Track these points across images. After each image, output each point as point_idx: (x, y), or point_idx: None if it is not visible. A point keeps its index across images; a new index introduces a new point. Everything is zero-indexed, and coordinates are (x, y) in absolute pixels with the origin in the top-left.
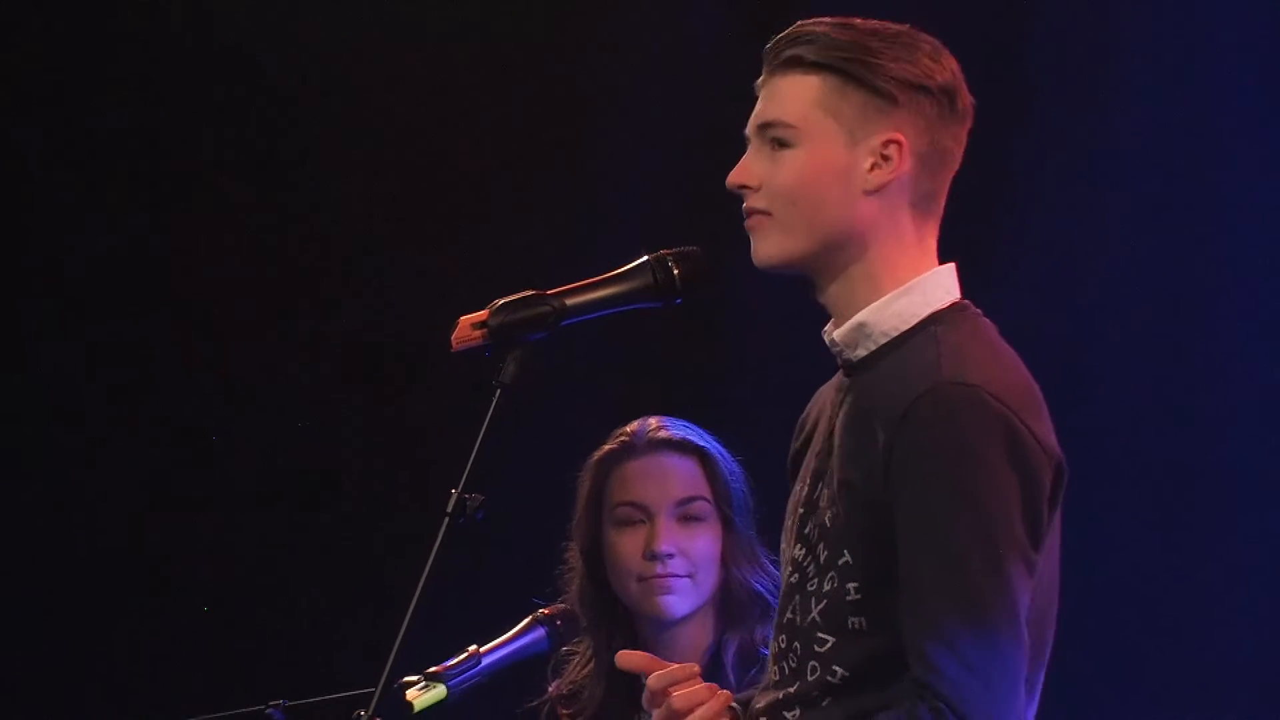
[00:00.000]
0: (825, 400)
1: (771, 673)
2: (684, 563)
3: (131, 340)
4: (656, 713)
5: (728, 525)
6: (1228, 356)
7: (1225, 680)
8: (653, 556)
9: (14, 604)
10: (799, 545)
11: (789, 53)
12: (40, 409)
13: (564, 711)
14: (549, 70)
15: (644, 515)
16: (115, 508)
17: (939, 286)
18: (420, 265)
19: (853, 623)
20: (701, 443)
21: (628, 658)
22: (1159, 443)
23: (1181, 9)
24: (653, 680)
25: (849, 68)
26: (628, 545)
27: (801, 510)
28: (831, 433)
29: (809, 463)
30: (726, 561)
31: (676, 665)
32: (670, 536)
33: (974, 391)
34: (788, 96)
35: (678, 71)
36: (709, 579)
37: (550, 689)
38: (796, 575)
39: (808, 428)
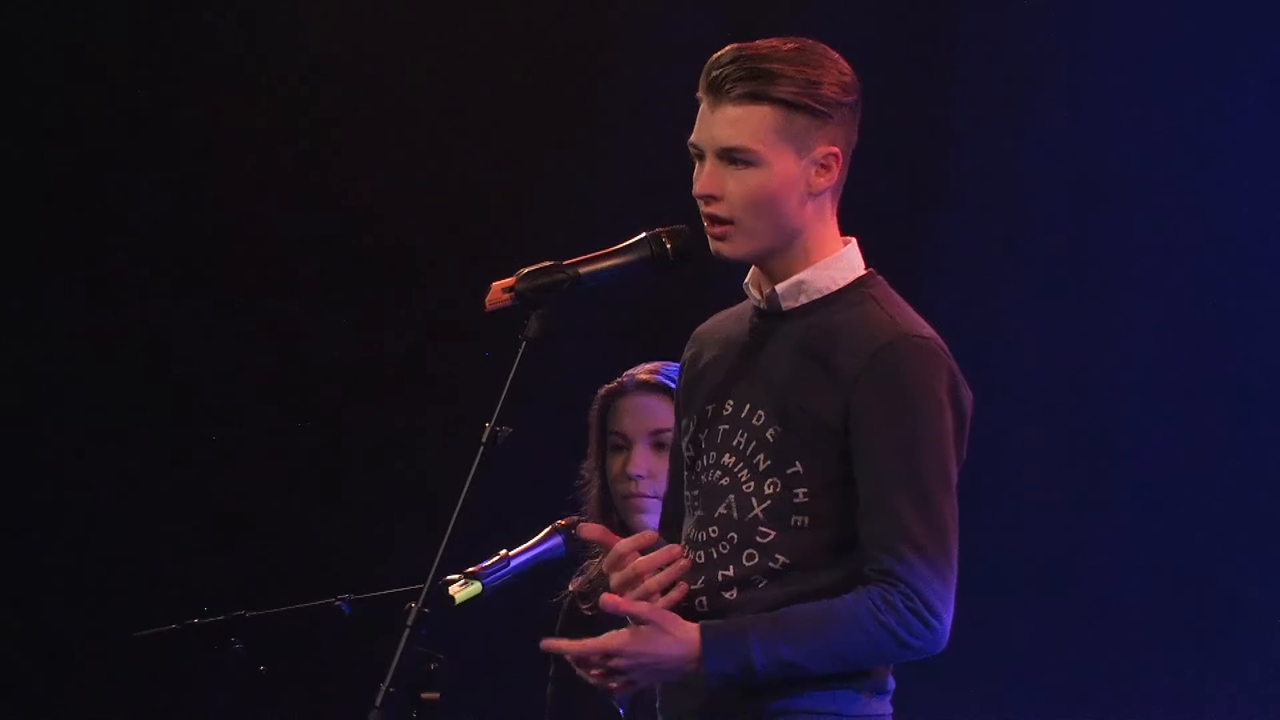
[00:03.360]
0: (721, 336)
1: (694, 555)
2: (653, 484)
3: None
4: (617, 575)
5: None
6: (1123, 349)
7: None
8: (628, 477)
9: (110, 506)
10: (728, 454)
11: (744, 89)
12: (129, 335)
13: (583, 605)
14: (570, 75)
15: (626, 443)
16: (203, 426)
17: (857, 257)
18: (457, 241)
19: (796, 520)
20: (672, 384)
21: (587, 529)
22: (1063, 417)
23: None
24: (620, 545)
25: (795, 98)
26: (615, 467)
27: (725, 426)
28: (756, 364)
29: (720, 385)
30: None
31: (640, 533)
32: (643, 461)
33: (929, 343)
34: (747, 125)
35: (678, 71)
36: None
37: (571, 586)
38: (727, 479)
39: (704, 358)
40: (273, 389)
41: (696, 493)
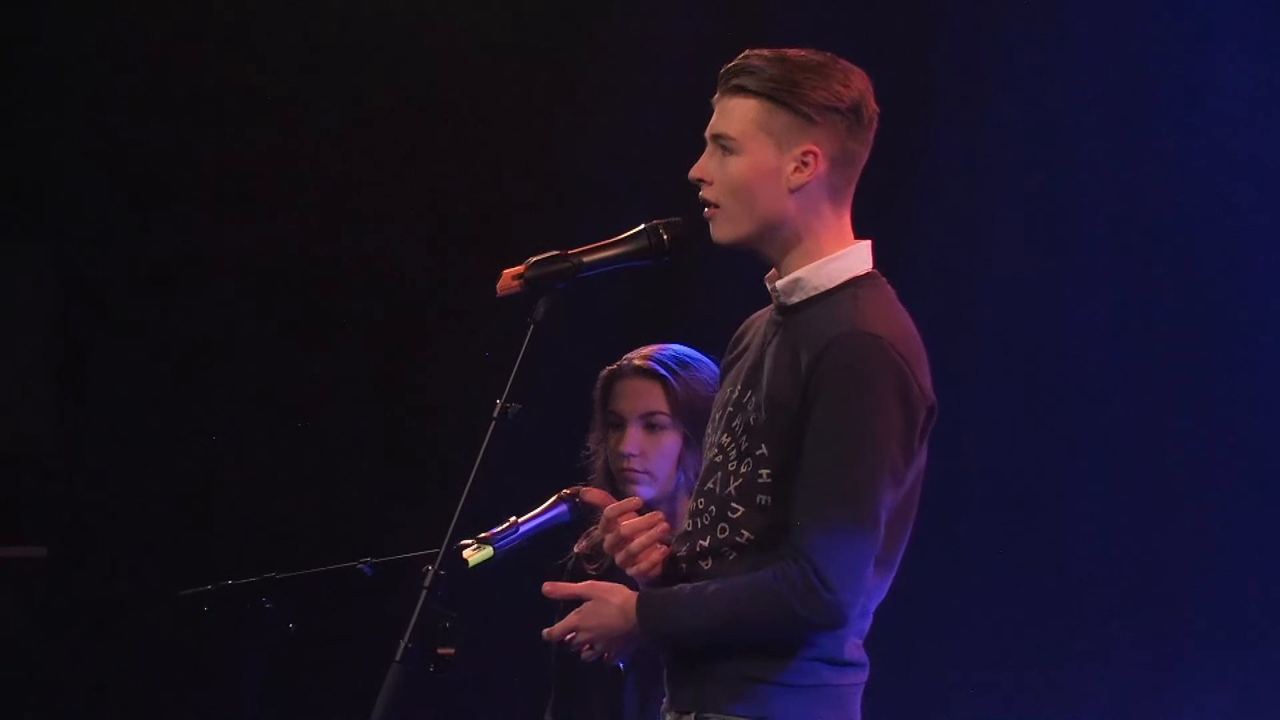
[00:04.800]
0: (757, 326)
1: (687, 524)
2: (643, 461)
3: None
4: (609, 536)
5: (686, 436)
6: (1074, 336)
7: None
8: (620, 455)
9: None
10: (725, 434)
11: (735, 81)
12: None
13: (588, 566)
14: (580, 78)
15: (621, 422)
16: (238, 402)
17: (860, 258)
18: (472, 233)
19: (760, 499)
20: (663, 371)
21: (589, 493)
22: (1016, 391)
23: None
24: (609, 510)
25: (778, 95)
26: (612, 443)
27: (730, 408)
28: (764, 354)
29: (739, 372)
30: (682, 464)
31: (626, 499)
32: (634, 441)
33: (878, 341)
34: (733, 115)
35: (680, 74)
36: (664, 475)
37: (576, 548)
38: (720, 456)
39: (741, 344)
40: (298, 374)
41: (703, 467)
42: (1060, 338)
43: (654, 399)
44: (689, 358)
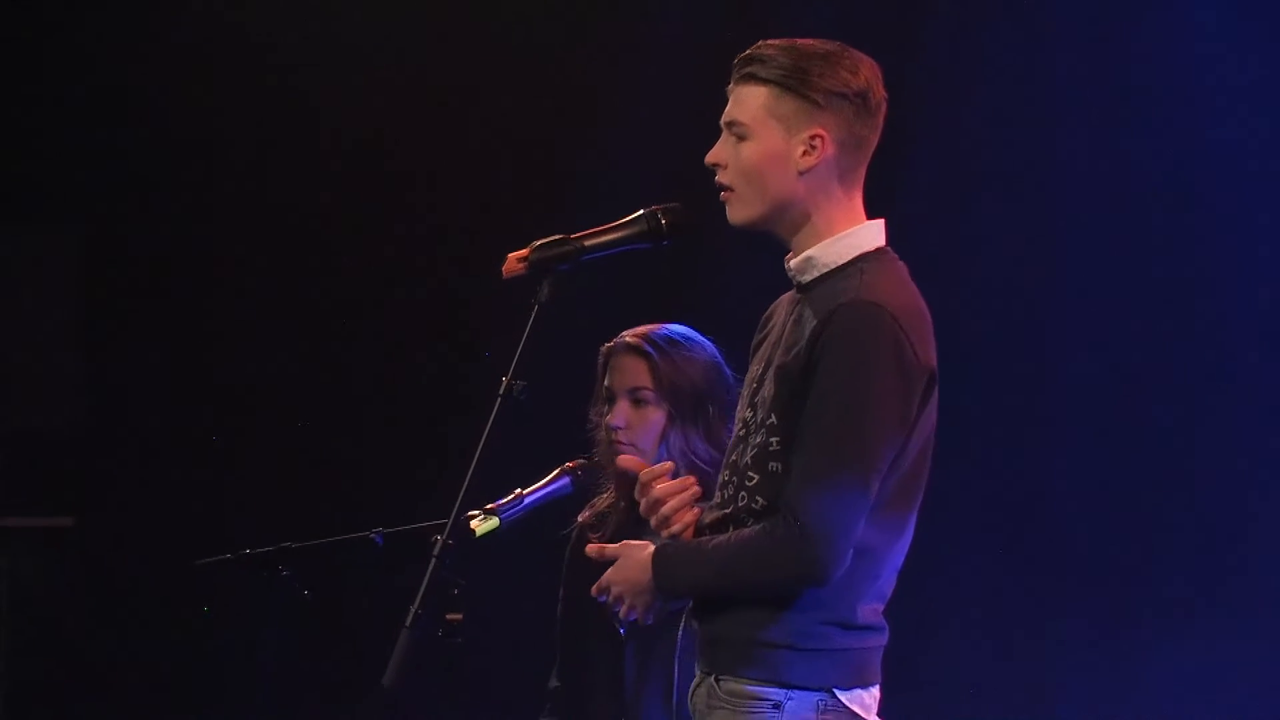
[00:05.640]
0: (782, 306)
1: (716, 497)
2: (629, 434)
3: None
4: (644, 500)
5: (670, 413)
6: (1061, 322)
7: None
8: (608, 428)
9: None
10: (748, 409)
11: (747, 70)
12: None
13: (592, 535)
14: (587, 72)
15: (612, 396)
16: (258, 382)
17: (869, 235)
18: (480, 221)
19: (772, 466)
20: (649, 349)
21: (624, 460)
22: (1007, 378)
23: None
24: (643, 475)
25: (786, 82)
26: (604, 416)
27: (755, 385)
28: (782, 332)
29: (764, 351)
30: (666, 440)
31: (660, 464)
32: (621, 414)
33: (876, 308)
34: (744, 102)
35: (682, 68)
36: (649, 449)
37: (580, 518)
38: (744, 430)
39: (769, 324)
40: (315, 354)
41: (730, 442)
42: (1055, 336)
43: (640, 375)
44: (682, 337)
